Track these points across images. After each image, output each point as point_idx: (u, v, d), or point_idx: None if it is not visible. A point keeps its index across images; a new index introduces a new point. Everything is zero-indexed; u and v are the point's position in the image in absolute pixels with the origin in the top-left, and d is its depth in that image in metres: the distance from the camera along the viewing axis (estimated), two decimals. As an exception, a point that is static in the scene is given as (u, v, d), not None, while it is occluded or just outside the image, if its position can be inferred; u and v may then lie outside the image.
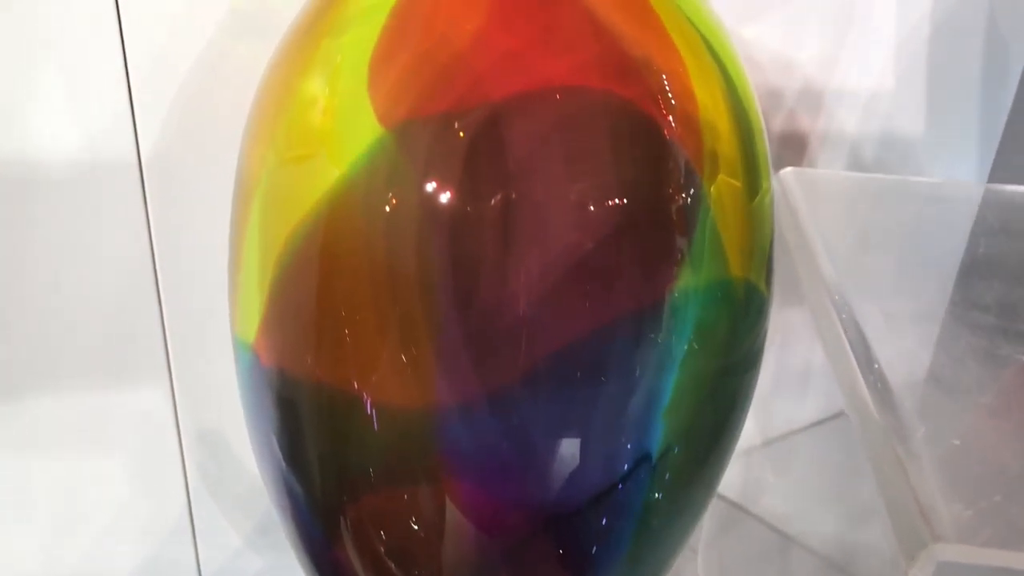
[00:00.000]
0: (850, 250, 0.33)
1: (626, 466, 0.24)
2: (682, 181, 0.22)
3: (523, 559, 0.25)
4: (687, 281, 0.23)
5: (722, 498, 0.45)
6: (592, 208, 0.21)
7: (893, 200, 0.37)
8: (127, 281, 0.33)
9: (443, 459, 0.23)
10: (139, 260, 0.33)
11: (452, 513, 0.24)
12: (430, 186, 0.21)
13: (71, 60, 0.30)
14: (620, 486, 0.24)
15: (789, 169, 0.35)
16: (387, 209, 0.21)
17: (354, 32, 0.23)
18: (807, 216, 0.32)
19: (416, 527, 0.24)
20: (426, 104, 0.22)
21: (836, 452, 0.51)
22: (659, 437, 0.24)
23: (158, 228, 0.33)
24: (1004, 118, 0.57)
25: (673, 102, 0.23)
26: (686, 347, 0.23)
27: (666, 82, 0.23)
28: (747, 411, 0.27)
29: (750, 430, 0.27)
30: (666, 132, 0.22)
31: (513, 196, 0.21)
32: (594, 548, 0.25)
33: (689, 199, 0.22)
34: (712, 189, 0.23)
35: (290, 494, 0.26)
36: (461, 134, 0.21)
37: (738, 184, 0.24)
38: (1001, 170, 0.58)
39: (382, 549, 0.25)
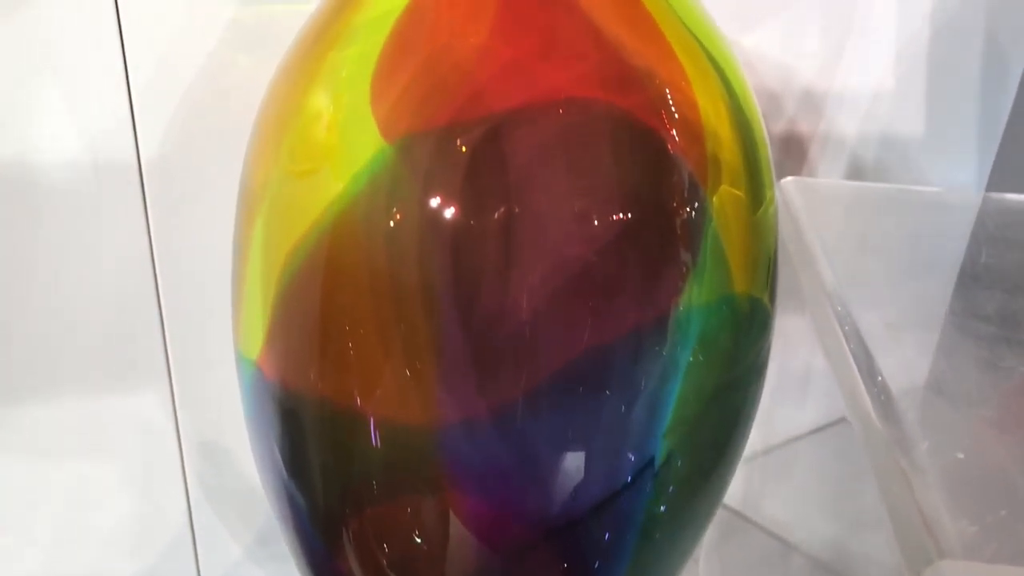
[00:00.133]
0: (851, 259, 0.33)
1: (629, 478, 0.24)
2: (686, 194, 0.22)
3: (525, 571, 0.25)
4: (692, 294, 0.22)
5: (723, 506, 0.45)
6: (596, 222, 0.21)
7: (894, 208, 0.37)
8: (127, 288, 0.33)
9: (446, 472, 0.23)
10: (139, 266, 0.33)
11: (455, 526, 0.24)
12: (431, 200, 0.21)
13: (71, 69, 0.30)
14: (623, 497, 0.24)
15: (790, 178, 0.35)
16: (389, 224, 0.21)
17: (359, 45, 0.23)
18: (808, 225, 0.32)
19: (418, 539, 0.24)
20: (427, 117, 0.21)
21: (837, 458, 0.52)
22: (662, 449, 0.24)
23: (158, 233, 0.33)
24: (1003, 123, 0.57)
25: (676, 114, 0.23)
26: (690, 359, 0.23)
27: (668, 93, 0.23)
28: (751, 423, 0.27)
29: (751, 437, 0.27)
30: (670, 146, 0.22)
31: (516, 210, 0.21)
32: (597, 562, 0.25)
33: (693, 212, 0.22)
34: (716, 201, 0.23)
35: (292, 506, 0.26)
36: (463, 148, 0.21)
37: (742, 195, 0.24)
38: (1000, 174, 0.58)
39: (384, 561, 0.25)
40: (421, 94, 0.22)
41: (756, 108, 0.26)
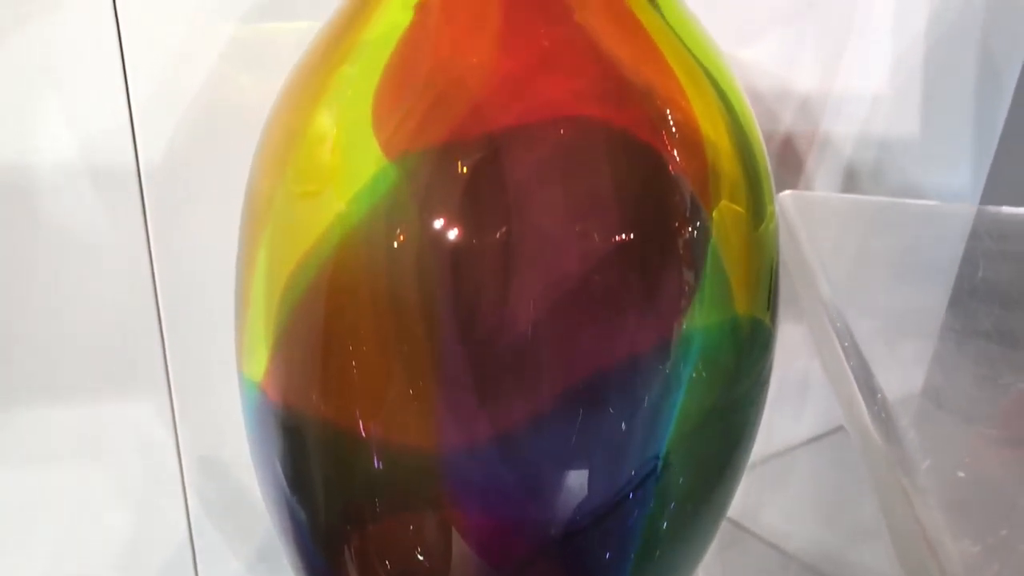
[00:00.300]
0: (848, 271, 0.33)
1: (631, 494, 0.24)
2: (688, 214, 0.22)
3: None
4: (695, 313, 0.23)
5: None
6: (597, 242, 0.21)
7: (890, 221, 0.37)
8: (126, 300, 0.33)
9: (448, 491, 0.23)
10: (138, 279, 0.33)
11: (457, 543, 0.24)
12: (431, 219, 0.21)
13: (72, 84, 0.30)
14: (624, 514, 0.24)
15: (788, 192, 0.35)
16: (391, 245, 0.21)
17: (363, 63, 0.23)
18: (806, 238, 0.32)
19: (420, 556, 0.24)
20: (427, 135, 0.21)
21: (835, 467, 0.52)
22: (663, 466, 0.24)
23: (157, 243, 0.33)
24: (998, 133, 0.58)
25: (675, 131, 0.23)
26: (692, 375, 0.23)
27: (668, 110, 0.23)
28: (753, 441, 0.27)
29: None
30: (670, 164, 0.22)
31: (517, 230, 0.21)
32: (598, 578, 0.25)
33: (695, 231, 0.22)
34: (716, 217, 0.23)
35: (293, 521, 0.26)
36: (463, 168, 0.21)
37: (743, 212, 0.24)
38: (995, 183, 0.59)
39: (385, 578, 0.25)
40: (422, 112, 0.22)
41: (755, 124, 0.26)
